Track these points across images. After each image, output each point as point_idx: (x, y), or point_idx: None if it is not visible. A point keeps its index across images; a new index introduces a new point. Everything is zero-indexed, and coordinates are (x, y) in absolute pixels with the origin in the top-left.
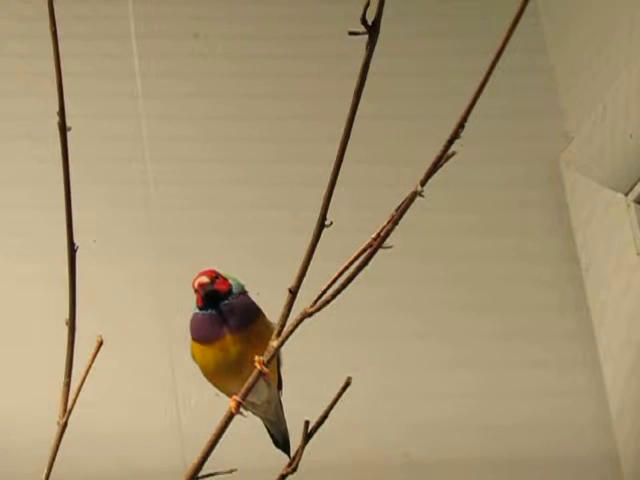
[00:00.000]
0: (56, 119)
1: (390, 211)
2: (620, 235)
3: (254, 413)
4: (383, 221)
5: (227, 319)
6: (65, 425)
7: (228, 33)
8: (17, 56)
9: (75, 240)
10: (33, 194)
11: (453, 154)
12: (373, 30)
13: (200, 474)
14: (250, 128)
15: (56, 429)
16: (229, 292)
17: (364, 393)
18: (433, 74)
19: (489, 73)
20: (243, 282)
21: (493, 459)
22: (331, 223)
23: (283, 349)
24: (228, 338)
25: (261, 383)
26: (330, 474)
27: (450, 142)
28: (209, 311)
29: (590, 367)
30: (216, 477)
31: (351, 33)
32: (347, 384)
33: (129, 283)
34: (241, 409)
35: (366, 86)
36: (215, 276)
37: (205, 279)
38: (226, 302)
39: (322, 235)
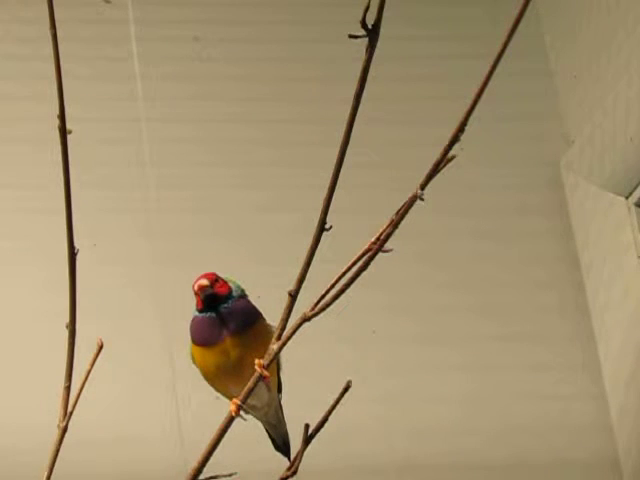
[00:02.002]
0: (56, 122)
1: (390, 214)
2: (620, 238)
3: (254, 416)
4: (383, 224)
5: (227, 322)
6: (65, 428)
7: (228, 36)
8: (17, 59)
9: (76, 244)
10: (33, 197)
11: (453, 157)
12: (373, 33)
13: (200, 477)
14: (250, 131)
15: (56, 432)
16: (229, 295)
17: (364, 396)
18: (433, 78)
19: (489, 77)
20: (243, 286)
21: (494, 462)
22: (331, 227)
23: (283, 352)
24: (228, 341)
25: (261, 386)
26: (330, 477)
27: (450, 145)
28: (209, 314)
29: (590, 370)
30: None
31: (351, 36)
32: (347, 387)
33: (129, 287)
34: (241, 412)
35: (366, 89)
36: (215, 279)
37: (205, 282)
38: (225, 305)
39: (322, 238)
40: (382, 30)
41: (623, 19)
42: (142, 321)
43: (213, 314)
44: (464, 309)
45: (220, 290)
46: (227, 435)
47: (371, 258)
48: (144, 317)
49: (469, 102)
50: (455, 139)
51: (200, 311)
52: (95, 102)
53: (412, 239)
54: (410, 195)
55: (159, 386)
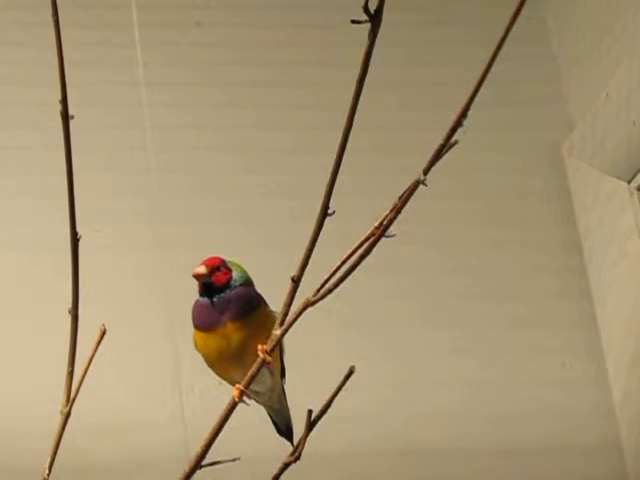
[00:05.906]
0: (59, 108)
1: (393, 199)
2: (623, 223)
3: (257, 401)
4: (386, 209)
5: (227, 307)
6: (68, 414)
7: (230, 21)
8: (19, 44)
9: (78, 229)
10: (36, 183)
11: (456, 142)
12: (375, 19)
13: (203, 463)
14: (252, 116)
15: (59, 418)
16: (227, 284)
17: (367, 382)
18: (435, 63)
19: (492, 61)
20: (248, 271)
21: (496, 447)
22: (334, 212)
23: (286, 338)
24: (229, 326)
25: (264, 371)
26: (333, 463)
27: (453, 130)
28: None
29: (593, 355)
30: (219, 466)
31: (353, 21)
32: (350, 373)
33: (132, 272)
34: (244, 397)
35: (368, 75)
36: (217, 267)
37: (202, 270)
38: (222, 294)
39: (325, 224)
40: (384, 15)
41: (625, 3)
42: (145, 306)
43: (214, 299)
44: (466, 294)
45: (217, 280)
46: (230, 420)
47: (374, 243)
48: (147, 302)
49: (472, 87)
50: (458, 124)
51: (202, 295)
52: (97, 87)
53: (415, 224)
54: (413, 180)
55: (162, 372)
